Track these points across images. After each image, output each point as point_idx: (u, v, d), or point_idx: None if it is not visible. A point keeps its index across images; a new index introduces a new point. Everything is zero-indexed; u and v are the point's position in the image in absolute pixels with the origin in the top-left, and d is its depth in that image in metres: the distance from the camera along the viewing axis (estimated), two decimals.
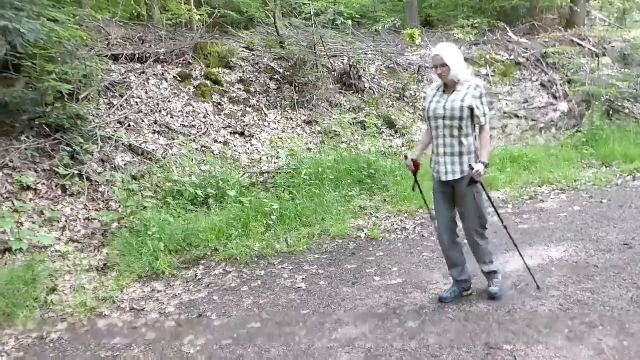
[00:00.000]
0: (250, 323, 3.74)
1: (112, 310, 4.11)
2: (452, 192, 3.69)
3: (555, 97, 9.67)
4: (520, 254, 4.02)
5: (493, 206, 3.95)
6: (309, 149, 8.03)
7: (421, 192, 4.04)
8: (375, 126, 8.39)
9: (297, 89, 9.02)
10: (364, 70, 9.88)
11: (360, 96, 9.43)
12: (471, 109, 3.48)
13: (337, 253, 5.02)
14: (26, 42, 5.81)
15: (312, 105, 8.85)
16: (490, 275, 3.90)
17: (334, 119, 8.75)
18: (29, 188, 5.70)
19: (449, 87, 3.59)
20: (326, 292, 4.16)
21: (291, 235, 5.35)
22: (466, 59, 10.91)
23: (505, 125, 9.15)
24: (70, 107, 6.34)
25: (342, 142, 8.21)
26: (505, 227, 4.01)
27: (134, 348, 3.50)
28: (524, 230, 5.28)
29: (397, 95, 9.69)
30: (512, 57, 10.80)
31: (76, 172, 5.99)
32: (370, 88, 9.65)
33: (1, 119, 6.30)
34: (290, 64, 9.45)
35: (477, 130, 3.62)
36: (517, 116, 9.32)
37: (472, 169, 3.49)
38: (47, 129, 6.35)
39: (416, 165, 3.84)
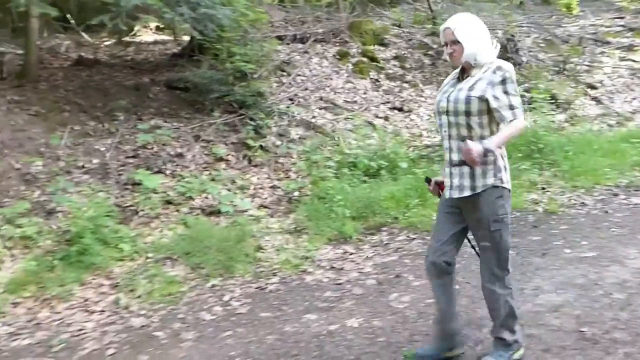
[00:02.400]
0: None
1: (314, 268, 4.55)
2: (460, 215, 2.81)
3: None
4: None
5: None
6: None
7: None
8: (542, 100, 8.17)
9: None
10: (520, 43, 9.59)
11: (518, 70, 9.19)
12: (484, 101, 2.60)
13: (517, 225, 5.07)
14: (217, 27, 6.46)
15: None
16: (497, 342, 2.88)
17: None
18: (221, 159, 6.38)
19: (465, 72, 2.77)
20: (517, 261, 4.26)
21: None
22: (631, 29, 10.36)
23: None
24: (253, 85, 6.94)
25: None
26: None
27: (345, 301, 3.88)
28: None
29: (557, 69, 9.31)
30: None
31: (260, 144, 6.58)
32: (527, 61, 9.36)
33: (194, 97, 7.08)
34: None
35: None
36: None
37: (464, 141, 2.60)
38: (232, 105, 7.03)
39: (442, 189, 2.93)
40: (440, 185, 2.96)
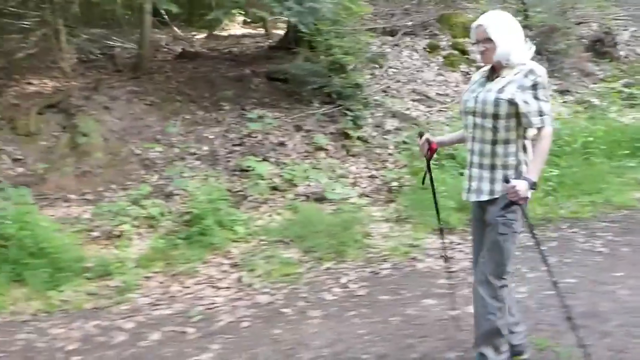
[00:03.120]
0: (565, 278, 3.98)
1: (423, 255, 4.67)
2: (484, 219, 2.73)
3: None
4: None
5: (543, 258, 2.72)
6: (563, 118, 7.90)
7: (433, 188, 3.18)
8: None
9: (547, 57, 8.83)
10: (618, 37, 9.26)
11: (616, 64, 8.90)
12: (513, 104, 2.52)
13: (627, 222, 5.00)
14: (318, 20, 6.66)
15: (564, 74, 8.61)
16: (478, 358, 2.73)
17: (588, 88, 8.42)
18: (321, 148, 6.59)
19: (495, 71, 2.68)
20: (634, 258, 4.22)
21: (572, 202, 5.44)
22: None
23: None
24: (351, 77, 7.10)
25: (599, 112, 7.89)
26: (554, 280, 2.71)
27: (462, 289, 3.98)
28: None
29: None
30: None
31: (358, 135, 6.75)
32: (626, 56, 9.04)
33: (292, 89, 7.33)
34: (535, 32, 9.26)
35: (529, 135, 2.62)
36: None
37: (507, 181, 2.47)
38: (329, 97, 7.23)
39: (431, 149, 2.99)
40: (431, 145, 3.01)
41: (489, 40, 2.57)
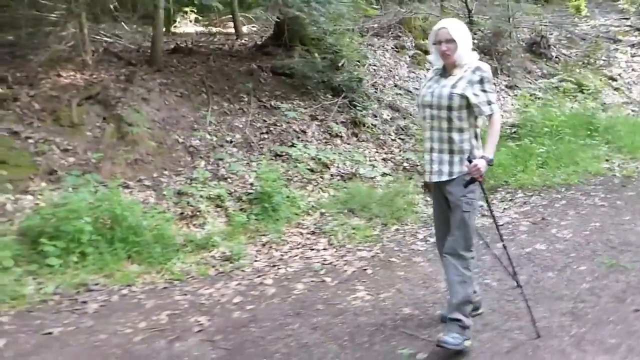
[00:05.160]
0: (590, 223, 5.09)
1: None
2: (445, 199, 3.12)
3: None
4: (524, 295, 3.20)
5: (494, 220, 3.28)
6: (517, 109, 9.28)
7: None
8: (574, 90, 9.50)
9: (496, 57, 10.23)
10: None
11: (550, 64, 10.52)
12: (464, 97, 2.94)
13: (607, 185, 6.29)
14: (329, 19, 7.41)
15: (511, 72, 10.05)
16: (452, 323, 2.99)
17: (532, 83, 9.91)
18: (337, 135, 7.32)
19: (448, 70, 3.08)
20: (631, 207, 5.44)
21: (561, 172, 6.67)
22: (638, 29, 11.91)
23: None
24: (354, 72, 7.91)
25: (543, 104, 9.36)
26: (505, 247, 3.24)
27: (518, 235, 4.95)
28: None
29: (581, 63, 10.70)
30: None
31: (365, 123, 7.57)
32: (557, 56, 10.71)
33: (298, 82, 7.96)
34: (481, 36, 10.66)
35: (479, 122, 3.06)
36: None
37: (470, 161, 2.89)
38: (332, 90, 7.96)
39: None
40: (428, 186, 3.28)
41: (451, 41, 2.97)
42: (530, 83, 9.96)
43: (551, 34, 11.27)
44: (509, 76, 10.00)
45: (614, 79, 10.37)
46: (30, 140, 5.50)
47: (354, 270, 4.37)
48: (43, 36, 6.46)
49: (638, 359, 2.84)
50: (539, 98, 9.48)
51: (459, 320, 2.99)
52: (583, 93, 9.87)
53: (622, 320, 3.25)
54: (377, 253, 4.72)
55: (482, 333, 3.20)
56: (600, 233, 4.83)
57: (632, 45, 11.12)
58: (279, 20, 8.40)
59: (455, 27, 3.03)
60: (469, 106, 2.97)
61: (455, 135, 3.00)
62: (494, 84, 9.61)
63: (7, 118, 5.66)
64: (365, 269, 4.37)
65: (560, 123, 7.71)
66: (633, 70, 10.66)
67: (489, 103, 2.99)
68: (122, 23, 10.25)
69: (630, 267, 4.01)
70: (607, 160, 7.21)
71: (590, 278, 3.90)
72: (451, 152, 3.02)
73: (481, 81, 2.98)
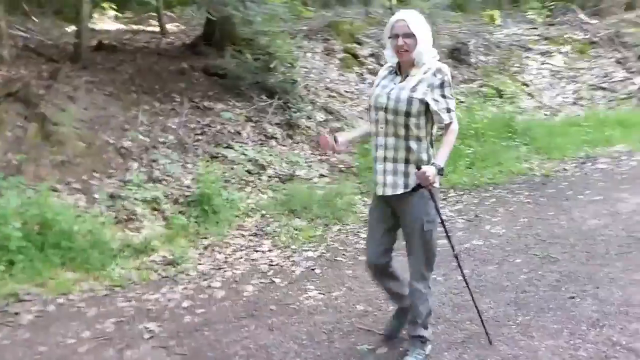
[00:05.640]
0: (519, 219, 5.40)
1: None
2: (392, 213, 2.84)
3: (630, 72, 11.37)
4: (474, 301, 3.08)
5: (444, 228, 2.91)
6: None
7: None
8: (492, 95, 10.04)
9: None
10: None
11: (470, 70, 11.05)
12: (424, 103, 2.64)
13: (529, 183, 6.68)
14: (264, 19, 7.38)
15: None
16: (415, 340, 2.92)
17: (457, 88, 10.35)
18: (272, 137, 7.29)
19: (403, 68, 2.76)
20: (553, 203, 5.82)
21: (487, 171, 7.02)
22: (546, 38, 12.80)
23: (592, 97, 10.83)
24: (290, 74, 7.90)
25: (466, 107, 9.83)
26: (457, 257, 3.00)
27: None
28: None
29: (497, 69, 11.32)
30: (587, 36, 12.45)
31: (298, 124, 7.58)
32: (475, 62, 11.26)
33: (231, 83, 7.85)
34: None
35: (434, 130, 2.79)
36: (601, 88, 11.01)
37: (418, 168, 2.62)
38: (265, 91, 7.91)
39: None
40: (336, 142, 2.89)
41: (410, 35, 2.63)
42: (454, 87, 10.38)
43: (469, 42, 11.83)
44: None
45: (527, 85, 11.06)
46: None
47: (302, 270, 4.39)
48: None
49: (580, 341, 3.05)
50: (462, 102, 9.92)
51: (421, 336, 2.92)
52: (501, 97, 10.44)
53: (560, 307, 3.47)
54: (323, 253, 4.76)
55: (436, 326, 3.30)
56: (529, 228, 5.13)
57: (542, 54, 11.91)
58: (209, 19, 8.25)
59: (415, 20, 2.67)
60: (427, 112, 2.68)
61: (413, 144, 2.69)
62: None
63: None
64: (313, 269, 4.39)
65: (484, 125, 8.12)
66: (543, 76, 11.42)
67: (449, 111, 2.70)
68: (33, 17, 9.75)
69: (561, 258, 4.30)
70: (526, 161, 7.66)
71: (527, 269, 4.13)
72: (407, 161, 2.72)
73: (442, 85, 2.68)
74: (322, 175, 6.87)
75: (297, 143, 7.45)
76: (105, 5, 12.21)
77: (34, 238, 4.30)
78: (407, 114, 2.66)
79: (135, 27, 11.14)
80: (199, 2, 6.98)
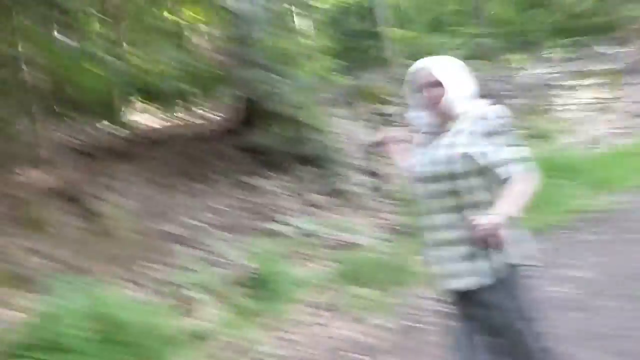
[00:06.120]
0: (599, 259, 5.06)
1: None
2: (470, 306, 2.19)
3: None
4: None
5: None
6: None
7: None
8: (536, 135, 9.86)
9: None
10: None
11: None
12: (468, 157, 2.09)
13: (594, 220, 6.39)
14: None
15: None
16: None
17: None
18: (321, 206, 7.14)
19: (440, 126, 2.25)
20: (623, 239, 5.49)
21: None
22: (570, 73, 12.74)
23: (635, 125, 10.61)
24: (324, 141, 7.87)
25: None
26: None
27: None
28: None
29: (529, 110, 11.17)
30: (613, 66, 12.35)
31: (347, 190, 7.46)
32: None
33: (268, 157, 7.80)
34: None
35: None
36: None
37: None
38: (304, 160, 7.85)
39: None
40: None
41: (436, 84, 2.17)
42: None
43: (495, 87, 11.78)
44: None
45: (561, 122, 10.90)
46: None
47: (382, 341, 4.10)
48: None
49: None
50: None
51: None
52: (540, 137, 10.25)
53: None
54: (399, 320, 4.47)
55: None
56: (614, 267, 4.82)
57: (569, 89, 11.84)
58: (241, 97, 8.36)
59: (441, 66, 2.21)
60: (481, 171, 2.10)
61: (471, 214, 2.05)
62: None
63: None
64: (392, 340, 4.10)
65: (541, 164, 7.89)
66: (575, 111, 11.28)
67: (506, 163, 2.06)
68: (66, 118, 9.98)
69: None
70: (582, 197, 7.32)
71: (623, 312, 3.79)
72: (470, 241, 2.05)
73: (489, 133, 2.09)
74: (378, 239, 6.64)
75: (343, 207, 7.28)
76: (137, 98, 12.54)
77: (101, 338, 4.11)
78: (451, 177, 2.11)
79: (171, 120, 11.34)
80: (231, 83, 7.04)
